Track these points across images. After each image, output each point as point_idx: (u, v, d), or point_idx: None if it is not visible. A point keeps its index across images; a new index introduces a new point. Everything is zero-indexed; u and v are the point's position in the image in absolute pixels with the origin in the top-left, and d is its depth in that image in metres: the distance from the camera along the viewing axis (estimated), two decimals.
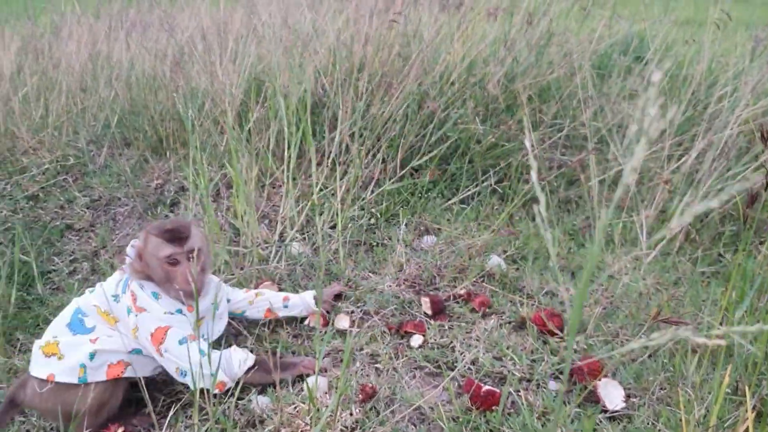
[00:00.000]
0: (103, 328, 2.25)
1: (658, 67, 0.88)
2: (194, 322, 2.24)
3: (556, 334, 2.51)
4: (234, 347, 2.31)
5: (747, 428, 1.77)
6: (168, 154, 4.05)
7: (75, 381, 2.17)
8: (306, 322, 2.70)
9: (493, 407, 2.13)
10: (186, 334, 2.20)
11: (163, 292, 2.27)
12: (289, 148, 3.32)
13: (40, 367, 2.20)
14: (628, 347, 1.07)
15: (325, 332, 2.61)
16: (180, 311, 2.26)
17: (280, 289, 2.87)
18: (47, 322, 2.84)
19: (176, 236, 2.22)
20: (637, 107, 0.86)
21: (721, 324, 2.33)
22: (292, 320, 2.69)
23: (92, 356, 2.18)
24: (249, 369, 2.27)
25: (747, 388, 1.89)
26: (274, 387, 2.24)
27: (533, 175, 1.08)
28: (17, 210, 3.70)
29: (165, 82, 4.18)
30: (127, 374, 2.23)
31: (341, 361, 2.42)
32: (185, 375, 2.19)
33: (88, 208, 3.74)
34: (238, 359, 2.26)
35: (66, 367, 2.17)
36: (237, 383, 2.20)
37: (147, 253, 2.25)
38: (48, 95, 4.56)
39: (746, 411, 1.81)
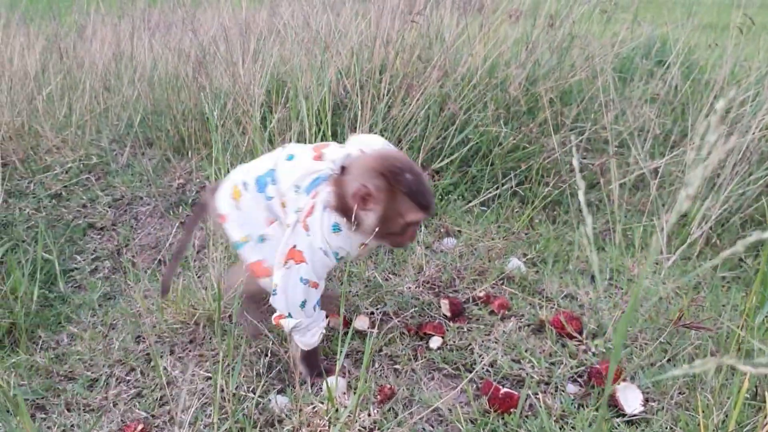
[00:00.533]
0: (276, 206, 2.22)
1: (723, 96, 0.87)
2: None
3: (575, 338, 2.51)
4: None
5: None
6: (190, 153, 4.07)
7: (235, 239, 2.27)
8: (326, 322, 2.70)
9: (511, 410, 2.13)
10: (312, 279, 2.16)
11: (353, 228, 2.13)
12: None
13: (222, 200, 2.29)
14: (668, 374, 1.05)
15: (345, 333, 2.62)
16: (337, 256, 2.17)
17: None
18: (69, 320, 2.89)
19: (427, 205, 2.07)
20: (696, 133, 0.86)
21: (740, 328, 2.32)
22: None
23: (261, 239, 2.24)
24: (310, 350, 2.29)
25: (766, 393, 1.88)
26: (294, 387, 2.26)
27: (581, 195, 1.06)
28: (40, 208, 3.74)
29: (187, 82, 4.20)
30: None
31: (361, 362, 2.43)
32: (275, 295, 2.20)
33: (110, 207, 3.77)
34: (318, 332, 2.28)
35: (236, 221, 2.25)
36: None
37: (388, 207, 2.06)
38: (72, 94, 4.59)
39: (765, 416, 1.80)
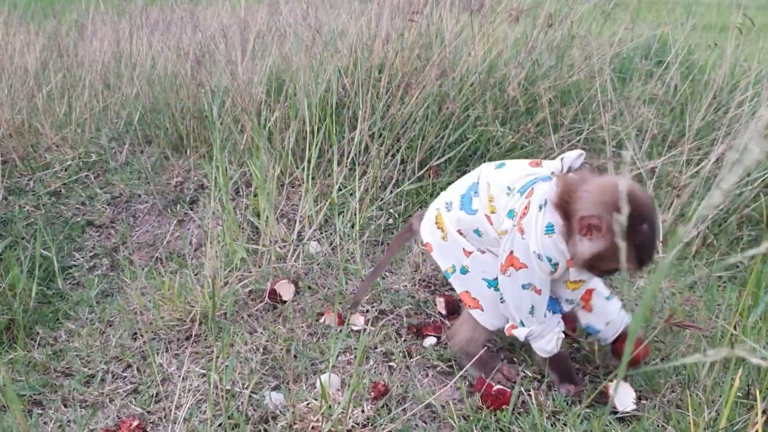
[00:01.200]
0: (480, 220, 2.17)
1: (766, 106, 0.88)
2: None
3: (570, 336, 2.51)
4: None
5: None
6: (188, 152, 4.08)
7: (443, 269, 2.30)
8: (321, 320, 2.71)
9: (504, 406, 2.14)
10: (535, 284, 2.07)
11: (565, 239, 1.98)
12: (310, 147, 3.35)
13: (426, 228, 2.32)
14: (679, 361, 1.06)
15: (341, 330, 2.63)
16: (551, 262, 2.02)
17: (296, 288, 2.90)
18: (67, 316, 2.90)
19: (646, 262, 1.89)
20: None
21: (735, 328, 2.33)
22: (307, 318, 2.72)
23: (464, 271, 2.24)
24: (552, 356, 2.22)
25: (758, 392, 1.89)
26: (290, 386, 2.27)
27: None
28: (39, 206, 3.75)
29: (186, 81, 4.21)
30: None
31: (355, 359, 2.45)
32: (503, 302, 2.19)
33: (108, 205, 3.78)
34: (553, 338, 2.18)
35: (441, 251, 2.28)
36: None
37: (610, 248, 1.88)
38: (71, 93, 4.61)
39: (756, 414, 1.81)
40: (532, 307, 2.11)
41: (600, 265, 1.95)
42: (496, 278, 2.19)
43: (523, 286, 2.07)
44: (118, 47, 5.07)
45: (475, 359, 2.23)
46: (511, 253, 2.06)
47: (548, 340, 2.18)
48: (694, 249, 3.26)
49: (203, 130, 4.06)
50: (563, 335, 2.21)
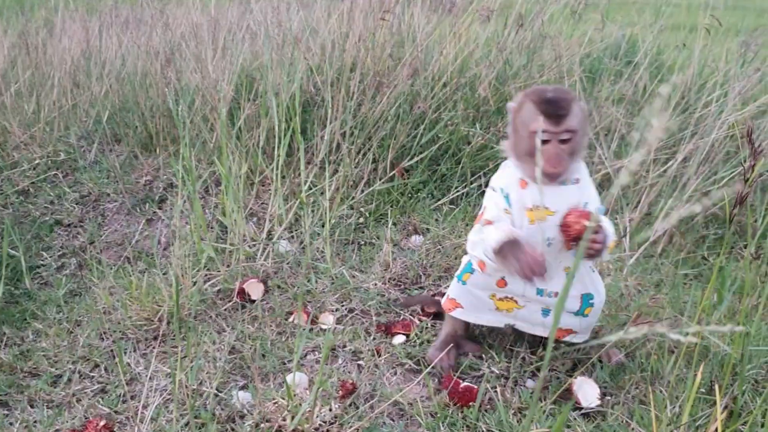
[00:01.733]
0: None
1: (667, 83, 0.89)
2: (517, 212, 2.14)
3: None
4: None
5: (717, 428, 1.79)
6: (157, 150, 4.06)
7: None
8: (291, 319, 2.71)
9: (470, 403, 2.15)
10: (487, 217, 2.14)
11: (519, 164, 2.12)
12: (278, 146, 3.34)
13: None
14: (605, 339, 1.09)
15: (310, 330, 2.63)
16: (504, 193, 2.14)
17: (266, 287, 2.90)
18: (34, 316, 2.88)
19: (554, 112, 1.97)
20: (643, 116, 0.89)
21: (699, 323, 2.36)
22: (276, 317, 2.71)
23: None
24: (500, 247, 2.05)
25: (718, 388, 1.91)
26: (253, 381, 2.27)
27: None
28: (7, 205, 3.71)
29: (156, 79, 4.19)
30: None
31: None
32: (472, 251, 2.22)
33: (77, 204, 3.75)
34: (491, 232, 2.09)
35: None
36: None
37: (518, 118, 2.05)
38: (40, 91, 4.57)
39: (717, 410, 1.83)
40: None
41: (521, 142, 2.06)
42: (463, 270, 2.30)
43: (483, 228, 2.14)
44: (88, 45, 5.03)
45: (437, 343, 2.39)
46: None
47: (484, 238, 2.12)
48: (660, 247, 3.29)
49: (173, 128, 4.05)
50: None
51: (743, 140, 3.51)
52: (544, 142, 1.99)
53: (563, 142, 1.99)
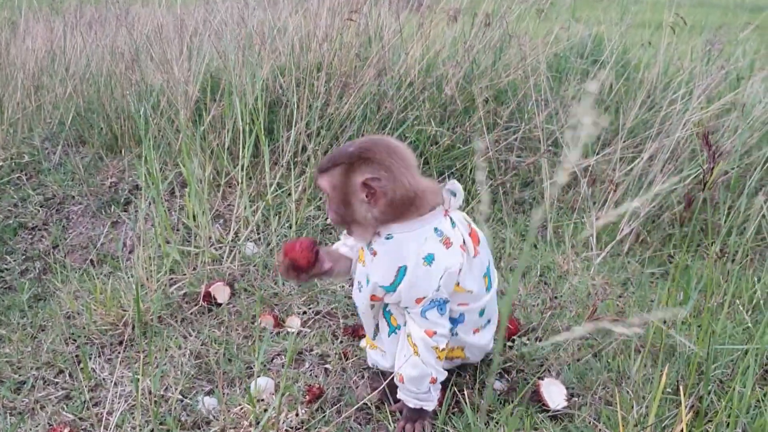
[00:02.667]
0: None
1: (592, 79, 0.90)
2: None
3: (507, 338, 2.53)
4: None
5: (683, 428, 1.80)
6: (123, 152, 4.03)
7: None
8: (257, 323, 2.70)
9: (438, 407, 2.15)
10: None
11: None
12: (243, 147, 3.32)
13: None
14: (551, 340, 1.10)
15: (276, 333, 2.62)
16: None
17: (232, 290, 2.88)
18: None
19: (321, 165, 1.97)
20: (574, 115, 0.88)
21: (664, 323, 2.37)
22: (243, 320, 2.69)
23: None
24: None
25: (683, 388, 1.92)
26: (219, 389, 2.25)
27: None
28: None
29: (121, 80, 4.15)
30: None
31: (292, 362, 2.44)
32: None
33: (41, 207, 3.71)
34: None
35: None
36: None
37: None
38: (3, 92, 4.51)
39: (683, 411, 1.84)
40: None
41: None
42: None
43: None
44: (52, 46, 4.97)
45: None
46: None
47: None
48: (626, 246, 3.31)
49: (138, 130, 4.01)
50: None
51: (710, 126, 3.56)
52: None
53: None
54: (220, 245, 3.18)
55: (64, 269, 3.16)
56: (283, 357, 2.51)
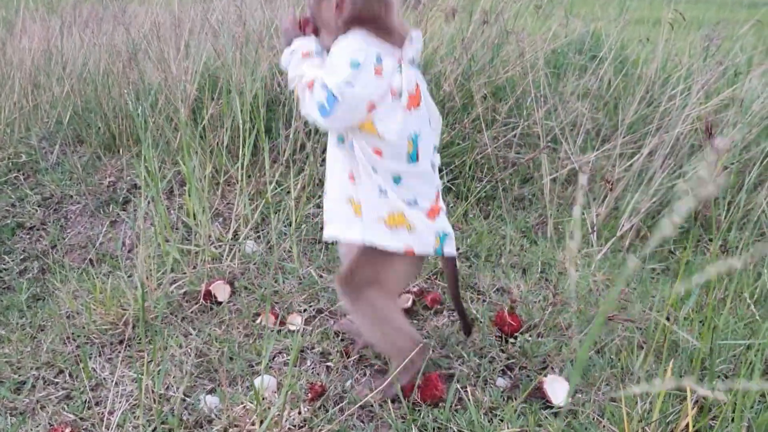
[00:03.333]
0: None
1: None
2: None
3: (509, 334, 2.52)
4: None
5: (687, 423, 1.80)
6: (121, 151, 4.02)
7: None
8: (258, 321, 2.69)
9: (441, 404, 2.14)
10: None
11: None
12: (243, 145, 3.31)
13: None
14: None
15: (278, 331, 2.61)
16: None
17: (233, 288, 2.87)
18: None
19: None
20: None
21: (668, 320, 2.37)
22: (244, 319, 2.68)
23: None
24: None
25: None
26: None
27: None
28: None
29: (119, 79, 4.14)
30: None
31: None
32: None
33: (39, 206, 3.69)
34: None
35: None
36: None
37: None
38: (0, 92, 4.50)
39: (688, 406, 1.84)
40: None
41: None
42: None
43: None
44: (49, 45, 4.96)
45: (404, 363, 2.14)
46: None
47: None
48: (627, 242, 3.30)
49: (136, 129, 4.00)
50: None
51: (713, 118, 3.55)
52: None
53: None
54: (220, 244, 3.17)
55: (63, 269, 3.15)
56: (284, 355, 2.50)
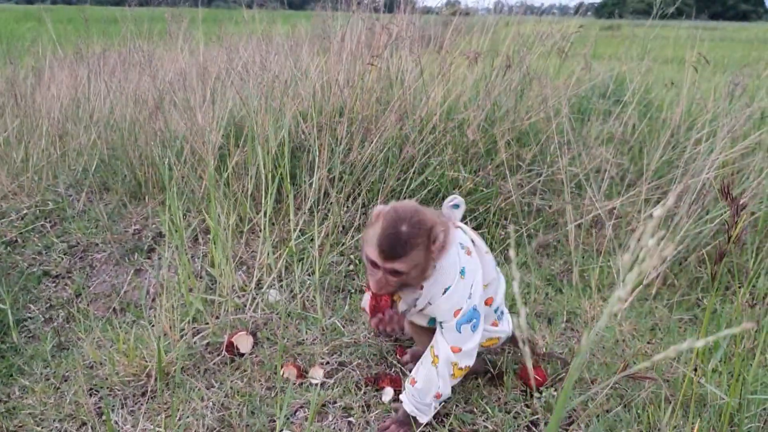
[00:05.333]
0: None
1: (661, 206, 0.88)
2: None
3: (533, 389, 2.49)
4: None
5: None
6: (146, 199, 4.04)
7: None
8: (281, 373, 2.67)
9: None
10: None
11: None
12: (266, 193, 3.32)
13: None
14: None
15: (299, 384, 2.59)
16: None
17: (255, 339, 2.85)
18: (21, 372, 2.83)
19: (387, 251, 2.10)
20: (633, 237, 0.86)
21: (695, 371, 2.32)
22: (266, 371, 2.67)
23: None
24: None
25: None
26: None
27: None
28: None
29: (145, 127, 4.18)
30: None
31: (315, 414, 2.40)
32: None
33: (65, 254, 3.71)
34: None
35: None
36: None
37: (369, 229, 2.19)
38: (28, 139, 4.55)
39: None
40: None
41: (364, 256, 2.21)
42: None
43: None
44: (76, 93, 5.03)
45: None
46: None
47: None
48: (654, 290, 3.26)
49: (161, 177, 4.03)
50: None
51: (732, 177, 3.51)
52: (375, 265, 2.15)
53: (392, 273, 2.13)
54: (243, 293, 3.16)
55: (87, 318, 3.15)
56: (306, 409, 2.48)
